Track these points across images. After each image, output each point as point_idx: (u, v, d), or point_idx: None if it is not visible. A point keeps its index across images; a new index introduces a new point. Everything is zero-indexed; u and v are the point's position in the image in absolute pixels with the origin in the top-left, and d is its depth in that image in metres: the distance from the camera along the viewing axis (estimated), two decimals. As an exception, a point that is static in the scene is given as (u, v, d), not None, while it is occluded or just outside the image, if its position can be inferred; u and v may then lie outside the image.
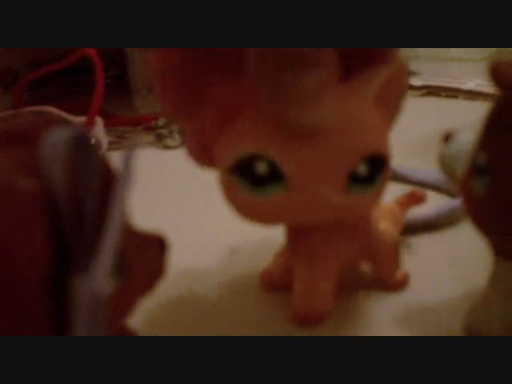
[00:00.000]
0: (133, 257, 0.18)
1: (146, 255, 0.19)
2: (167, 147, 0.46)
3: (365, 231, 0.25)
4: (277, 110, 0.19)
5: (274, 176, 0.21)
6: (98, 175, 0.15)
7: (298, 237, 0.25)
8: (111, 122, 0.49)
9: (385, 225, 0.26)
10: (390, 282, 0.26)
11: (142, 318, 0.20)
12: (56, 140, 0.14)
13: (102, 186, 0.16)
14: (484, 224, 0.20)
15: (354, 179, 0.21)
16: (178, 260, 0.20)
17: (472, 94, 0.51)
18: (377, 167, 0.21)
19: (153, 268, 0.19)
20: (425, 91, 0.53)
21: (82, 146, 0.14)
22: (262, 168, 0.21)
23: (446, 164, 0.23)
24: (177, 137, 0.46)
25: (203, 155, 0.23)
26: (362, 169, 0.21)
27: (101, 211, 0.16)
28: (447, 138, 0.23)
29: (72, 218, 0.15)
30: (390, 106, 0.22)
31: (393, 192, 0.35)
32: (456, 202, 0.32)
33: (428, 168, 0.36)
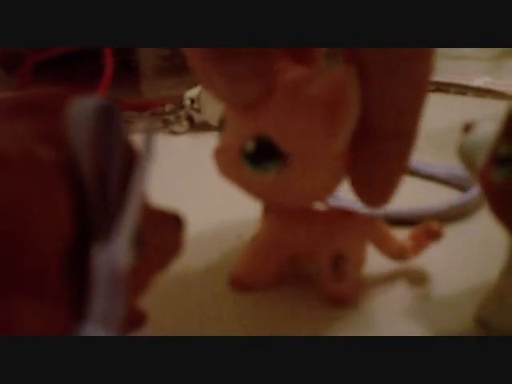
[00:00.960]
0: (150, 233, 0.18)
1: (162, 232, 0.19)
2: (174, 133, 0.45)
3: (315, 231, 0.25)
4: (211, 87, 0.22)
5: None
6: (123, 147, 0.15)
7: (262, 214, 0.27)
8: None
9: (338, 235, 0.25)
10: (325, 291, 0.26)
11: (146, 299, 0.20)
12: (83, 108, 0.14)
13: (124, 159, 0.16)
14: (504, 213, 0.20)
15: (245, 154, 0.23)
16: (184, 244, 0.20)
17: (480, 91, 0.51)
18: (263, 150, 0.22)
19: (169, 245, 0.19)
20: (433, 87, 0.53)
21: (110, 115, 0.14)
22: (221, 124, 0.25)
23: (466, 154, 0.23)
24: (184, 123, 0.45)
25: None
26: (249, 145, 0.23)
27: (122, 185, 0.16)
28: (468, 128, 0.23)
29: (95, 190, 0.15)
30: (333, 116, 0.22)
31: (404, 185, 0.35)
32: (467, 196, 0.32)
33: (438, 162, 0.36)
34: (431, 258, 0.28)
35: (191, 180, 0.38)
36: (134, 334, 0.20)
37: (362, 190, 0.24)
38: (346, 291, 0.25)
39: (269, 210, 0.26)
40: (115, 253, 0.15)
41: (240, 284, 0.27)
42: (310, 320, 0.24)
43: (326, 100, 0.22)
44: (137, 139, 0.17)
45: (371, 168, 0.23)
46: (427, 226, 0.27)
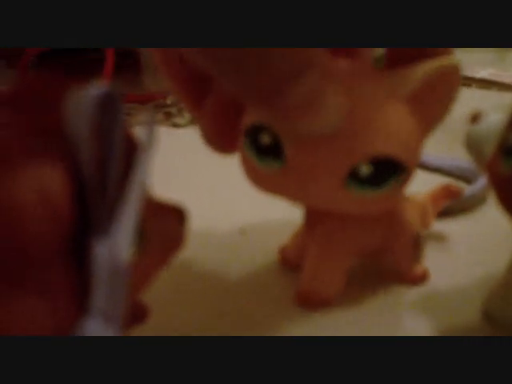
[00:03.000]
0: (152, 226, 0.17)
1: (164, 225, 0.18)
2: (176, 125, 0.45)
3: (386, 223, 0.24)
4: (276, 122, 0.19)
5: (276, 149, 0.21)
6: (124, 139, 0.15)
7: (315, 218, 0.24)
8: (119, 99, 0.48)
9: (409, 216, 0.25)
10: (407, 276, 0.25)
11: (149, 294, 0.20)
12: (83, 99, 0.14)
13: (125, 151, 0.15)
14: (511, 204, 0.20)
15: (355, 177, 0.20)
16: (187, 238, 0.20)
17: (485, 83, 0.50)
18: (385, 170, 0.20)
19: (171, 239, 0.19)
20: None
21: (110, 106, 0.14)
22: (265, 139, 0.21)
23: (473, 144, 0.22)
24: (186, 115, 0.45)
25: (220, 139, 0.23)
26: (365, 169, 0.20)
27: (123, 177, 0.15)
28: (475, 118, 0.22)
29: (95, 181, 0.14)
30: (429, 111, 0.21)
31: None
32: (473, 188, 0.31)
33: (445, 155, 0.36)
34: (439, 251, 0.28)
35: (194, 173, 0.38)
36: (136, 329, 0.20)
37: None
38: (426, 270, 0.26)
39: (319, 217, 0.24)
40: (116, 246, 0.14)
41: (311, 301, 0.24)
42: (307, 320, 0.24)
43: (424, 94, 0.20)
44: (138, 131, 0.16)
45: None
46: (447, 185, 0.27)
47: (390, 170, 0.20)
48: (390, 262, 0.25)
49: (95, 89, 0.14)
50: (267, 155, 0.21)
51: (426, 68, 0.20)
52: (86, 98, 0.14)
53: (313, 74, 0.17)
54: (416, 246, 0.25)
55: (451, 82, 0.20)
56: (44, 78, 0.16)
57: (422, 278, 0.25)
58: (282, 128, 0.20)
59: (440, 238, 0.27)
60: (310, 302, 0.24)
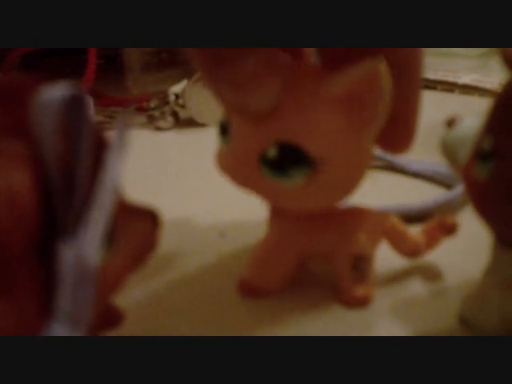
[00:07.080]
0: (123, 229, 0.17)
1: (136, 228, 0.18)
2: (159, 129, 0.45)
3: (332, 231, 0.24)
4: (216, 93, 0.20)
5: (225, 128, 0.22)
6: (91, 139, 0.15)
7: (273, 213, 0.25)
8: (102, 102, 0.48)
9: (355, 233, 0.24)
10: (344, 294, 0.25)
11: (126, 297, 0.19)
12: (50, 97, 0.13)
13: (94, 152, 0.15)
14: (487, 209, 0.20)
15: (264, 160, 0.21)
16: (165, 241, 0.20)
17: (468, 89, 0.51)
18: (288, 156, 0.21)
19: (143, 242, 0.18)
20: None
21: (78, 105, 0.14)
22: (223, 119, 0.23)
23: (448, 148, 0.22)
24: (169, 119, 0.45)
25: None
26: (271, 152, 0.21)
27: (92, 178, 0.15)
28: (451, 122, 0.22)
29: (62, 182, 0.14)
30: (357, 114, 0.21)
31: (390, 182, 0.35)
32: (452, 193, 0.31)
33: (424, 159, 0.36)
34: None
35: (175, 176, 0.38)
36: (109, 333, 0.20)
37: (385, 135, 0.22)
38: (367, 293, 0.25)
39: (278, 210, 0.25)
40: (83, 249, 0.14)
41: (251, 290, 0.25)
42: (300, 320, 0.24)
43: (353, 97, 0.20)
44: (127, 123, 0.16)
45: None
46: (441, 221, 0.26)
47: (293, 158, 0.21)
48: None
49: (62, 89, 0.14)
50: (223, 134, 0.23)
51: (351, 72, 0.20)
52: (52, 97, 0.13)
53: (257, 56, 0.19)
54: (357, 266, 0.24)
55: (372, 87, 0.20)
56: (12, 77, 0.16)
57: (359, 302, 0.24)
58: (226, 104, 0.21)
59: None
60: (249, 291, 0.25)
